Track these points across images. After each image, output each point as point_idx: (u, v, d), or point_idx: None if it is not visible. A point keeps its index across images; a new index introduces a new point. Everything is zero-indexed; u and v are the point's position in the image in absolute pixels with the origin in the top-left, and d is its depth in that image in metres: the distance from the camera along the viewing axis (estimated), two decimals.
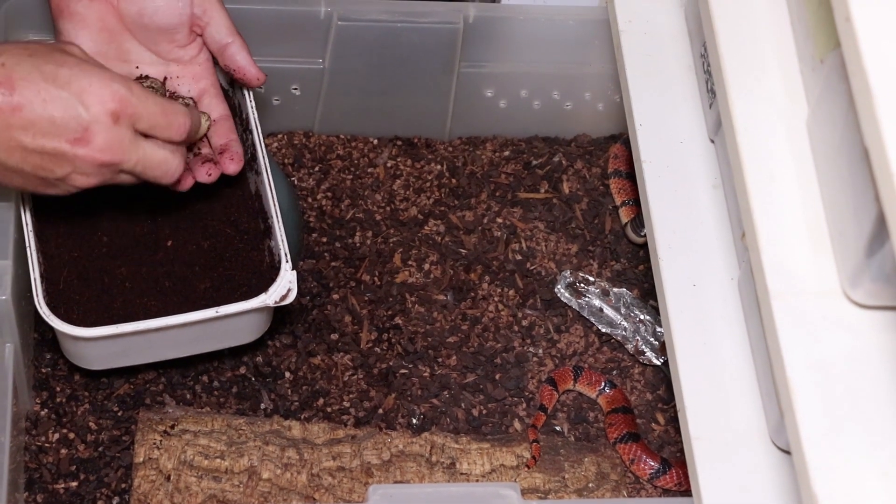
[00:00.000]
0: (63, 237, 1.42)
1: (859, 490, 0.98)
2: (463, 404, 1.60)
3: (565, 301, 1.67)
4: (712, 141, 1.47)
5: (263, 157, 1.42)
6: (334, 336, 1.63)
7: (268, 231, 1.42)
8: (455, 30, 1.69)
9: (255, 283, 1.41)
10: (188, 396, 1.57)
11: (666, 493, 1.56)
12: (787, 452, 1.26)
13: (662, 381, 1.63)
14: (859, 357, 1.04)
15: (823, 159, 1.10)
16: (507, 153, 1.80)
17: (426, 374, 1.61)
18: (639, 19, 1.56)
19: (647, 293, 1.69)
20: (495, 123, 1.80)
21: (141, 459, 1.48)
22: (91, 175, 1.21)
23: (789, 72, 1.18)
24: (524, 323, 1.66)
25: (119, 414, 1.55)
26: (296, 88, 1.73)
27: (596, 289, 1.67)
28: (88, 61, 1.22)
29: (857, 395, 1.02)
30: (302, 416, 1.57)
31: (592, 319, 1.66)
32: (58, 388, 1.56)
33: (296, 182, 1.74)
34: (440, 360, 1.62)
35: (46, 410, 1.55)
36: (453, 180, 1.76)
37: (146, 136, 1.23)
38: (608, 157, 1.78)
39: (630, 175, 1.68)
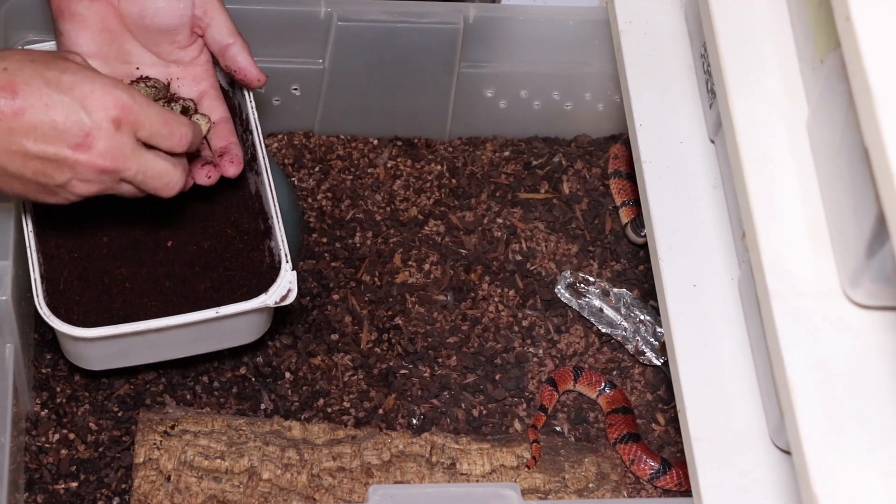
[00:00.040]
0: (63, 238, 1.42)
1: (859, 490, 0.98)
2: (463, 405, 1.60)
3: (565, 301, 1.67)
4: (712, 141, 1.47)
5: (263, 157, 1.42)
6: (334, 336, 1.63)
7: (268, 231, 1.42)
8: (455, 30, 1.69)
9: (255, 284, 1.41)
10: (188, 397, 1.57)
11: (666, 493, 1.56)
12: (788, 453, 1.26)
13: (662, 381, 1.63)
14: (859, 357, 1.04)
15: (823, 159, 1.10)
16: (507, 153, 1.80)
17: (426, 375, 1.61)
18: (639, 19, 1.56)
19: (647, 293, 1.69)
20: (495, 124, 1.80)
21: (141, 460, 1.48)
22: (91, 182, 1.21)
23: (789, 72, 1.18)
24: (524, 323, 1.66)
25: (119, 414, 1.55)
26: (296, 89, 1.73)
27: (596, 289, 1.67)
28: (90, 68, 1.22)
29: (858, 395, 1.02)
30: (302, 417, 1.57)
31: (592, 320, 1.66)
32: (58, 389, 1.56)
33: (296, 182, 1.74)
34: (440, 360, 1.62)
35: (47, 411, 1.55)
36: (453, 181, 1.76)
37: (148, 146, 1.22)
38: (608, 157, 1.78)
39: (630, 175, 1.68)
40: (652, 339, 1.64)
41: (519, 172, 1.78)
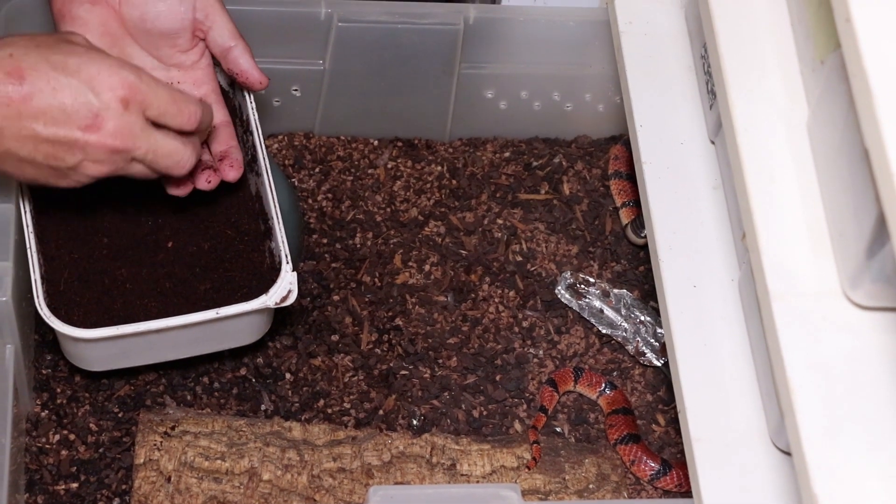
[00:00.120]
0: (63, 238, 1.42)
1: (859, 491, 0.98)
2: (463, 405, 1.60)
3: (566, 302, 1.67)
4: (712, 142, 1.47)
5: (264, 158, 1.42)
6: (335, 337, 1.63)
7: (268, 232, 1.42)
8: (455, 31, 1.69)
9: (255, 285, 1.41)
10: (189, 398, 1.57)
11: (666, 494, 1.56)
12: (788, 453, 1.26)
13: (663, 382, 1.63)
14: (859, 358, 1.04)
15: (824, 160, 1.10)
16: (507, 154, 1.80)
17: (426, 376, 1.61)
18: (639, 20, 1.56)
19: (647, 294, 1.69)
20: (496, 124, 1.80)
21: (141, 461, 1.48)
22: (102, 163, 1.21)
23: (790, 73, 1.18)
24: (525, 324, 1.66)
25: (119, 415, 1.55)
26: (296, 90, 1.73)
27: (596, 290, 1.67)
28: (95, 49, 1.22)
29: (858, 395, 1.02)
30: (302, 418, 1.57)
31: (593, 321, 1.66)
32: (58, 390, 1.56)
33: (296, 183, 1.74)
34: (440, 361, 1.62)
35: (47, 412, 1.55)
36: (454, 181, 1.76)
37: (158, 125, 1.23)
38: (608, 158, 1.78)
39: (630, 176, 1.68)
40: (652, 340, 1.64)
41: (519, 173, 1.78)
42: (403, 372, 1.61)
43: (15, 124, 1.16)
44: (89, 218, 1.44)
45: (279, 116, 1.76)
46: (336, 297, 1.66)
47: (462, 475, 1.51)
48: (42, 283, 1.36)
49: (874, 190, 0.90)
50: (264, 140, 1.44)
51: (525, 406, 1.60)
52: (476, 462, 1.52)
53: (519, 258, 1.71)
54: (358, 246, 1.70)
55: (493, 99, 1.77)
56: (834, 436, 1.00)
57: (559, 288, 1.67)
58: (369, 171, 1.76)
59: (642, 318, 1.65)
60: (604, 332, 1.66)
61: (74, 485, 1.51)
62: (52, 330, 1.37)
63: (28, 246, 1.38)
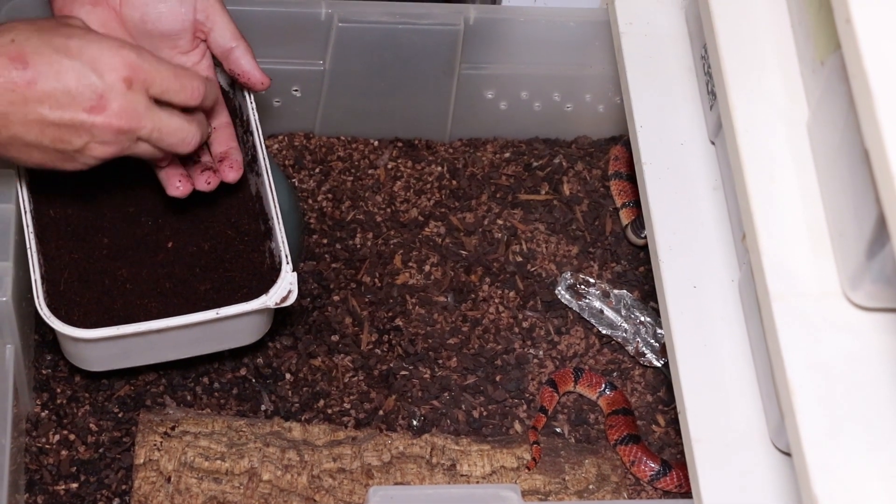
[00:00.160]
0: (64, 238, 1.42)
1: (860, 491, 0.98)
2: (463, 406, 1.60)
3: (566, 303, 1.67)
4: (713, 143, 1.47)
5: (264, 158, 1.42)
6: (335, 337, 1.63)
7: (268, 233, 1.42)
8: (455, 31, 1.69)
9: (255, 285, 1.41)
10: (189, 398, 1.57)
11: (666, 494, 1.56)
12: (788, 454, 1.26)
13: (663, 382, 1.63)
14: (860, 359, 1.04)
15: (824, 161, 1.10)
16: (507, 155, 1.80)
17: (427, 376, 1.61)
18: (639, 21, 1.56)
19: (647, 295, 1.69)
20: (496, 125, 1.80)
21: (141, 461, 1.48)
22: (108, 144, 1.22)
23: (790, 73, 1.18)
24: (525, 324, 1.66)
25: (119, 415, 1.55)
26: (296, 90, 1.73)
27: (596, 290, 1.67)
28: (95, 31, 1.23)
29: (858, 396, 1.02)
30: (302, 418, 1.57)
31: (593, 321, 1.66)
32: (58, 390, 1.56)
33: (296, 183, 1.74)
34: (441, 361, 1.62)
35: (47, 412, 1.55)
36: (454, 182, 1.76)
37: (161, 102, 1.23)
38: (609, 158, 1.78)
39: (630, 177, 1.68)
40: (652, 341, 1.64)
41: (519, 174, 1.78)
42: (403, 372, 1.61)
43: (21, 109, 1.17)
44: (89, 218, 1.44)
45: (279, 117, 1.76)
46: (336, 298, 1.66)
47: (462, 476, 1.51)
48: (42, 283, 1.36)
49: (874, 191, 0.90)
50: (264, 140, 1.44)
51: (525, 406, 1.60)
52: (476, 462, 1.52)
53: (519, 259, 1.71)
54: (358, 246, 1.70)
55: (493, 99, 1.77)
56: (834, 436, 1.00)
57: (559, 288, 1.67)
58: (369, 172, 1.76)
59: (642, 318, 1.65)
60: (604, 332, 1.66)
61: (74, 485, 1.51)
62: (52, 330, 1.37)
63: (28, 246, 1.38)
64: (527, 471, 1.52)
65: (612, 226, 1.74)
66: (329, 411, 1.58)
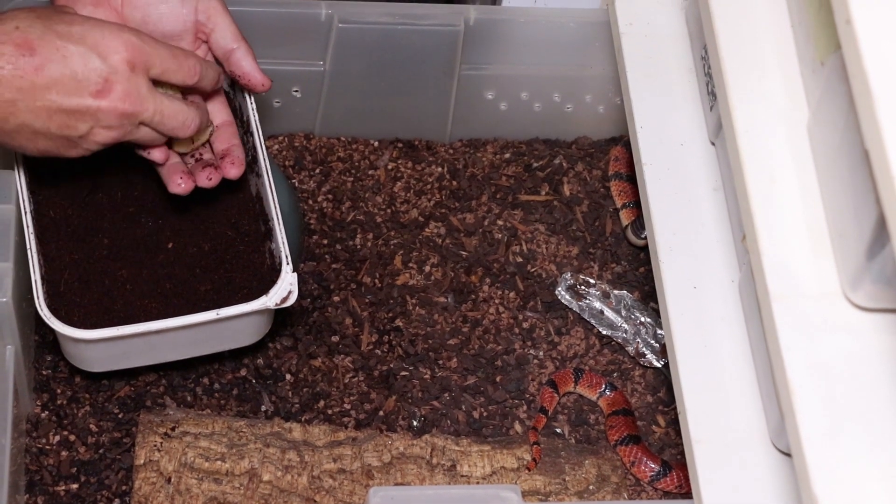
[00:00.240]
0: (64, 239, 1.42)
1: (860, 492, 0.98)
2: (463, 406, 1.60)
3: (566, 303, 1.67)
4: (713, 143, 1.47)
5: (264, 159, 1.42)
6: (335, 338, 1.63)
7: (268, 233, 1.42)
8: (455, 32, 1.69)
9: (255, 286, 1.41)
10: (189, 398, 1.57)
11: (666, 495, 1.56)
12: (788, 455, 1.26)
13: (663, 383, 1.63)
14: (860, 359, 1.04)
15: (824, 162, 1.10)
16: (507, 155, 1.80)
17: (427, 377, 1.61)
18: (639, 21, 1.56)
19: (647, 295, 1.69)
20: (496, 126, 1.80)
21: (142, 461, 1.48)
22: (112, 128, 1.22)
23: (790, 74, 1.18)
24: (525, 325, 1.66)
25: (120, 416, 1.55)
26: (296, 90, 1.73)
27: (597, 291, 1.67)
28: (92, 17, 1.24)
29: (858, 396, 1.02)
30: (302, 419, 1.57)
31: (593, 322, 1.66)
32: (58, 391, 1.56)
33: (296, 184, 1.74)
34: (441, 362, 1.62)
35: (47, 412, 1.55)
36: (454, 182, 1.76)
37: (160, 84, 1.25)
38: (609, 159, 1.78)
39: (631, 177, 1.68)
40: (652, 341, 1.64)
41: (519, 174, 1.78)
42: (404, 373, 1.61)
43: (29, 96, 1.18)
44: (90, 218, 1.44)
45: (279, 117, 1.76)
46: (336, 298, 1.66)
47: (462, 476, 1.51)
48: (42, 284, 1.36)
49: (874, 191, 0.90)
50: (265, 141, 1.44)
51: (525, 407, 1.60)
52: (476, 463, 1.52)
53: (519, 259, 1.71)
54: (358, 247, 1.70)
55: (493, 100, 1.77)
56: (834, 437, 1.00)
57: (559, 289, 1.67)
58: (370, 172, 1.76)
59: (642, 319, 1.65)
60: (604, 333, 1.66)
61: (74, 486, 1.51)
62: (52, 331, 1.37)
63: (28, 246, 1.38)
64: (527, 471, 1.52)
65: (612, 226, 1.74)
66: (329, 412, 1.58)
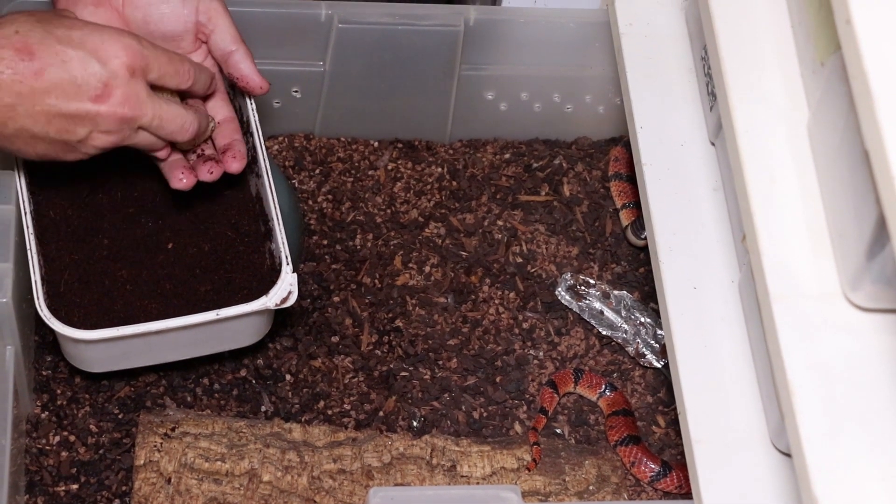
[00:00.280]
0: (64, 240, 1.42)
1: (860, 492, 0.98)
2: (463, 407, 1.60)
3: (566, 304, 1.67)
4: (713, 144, 1.47)
5: (264, 159, 1.42)
6: (335, 338, 1.63)
7: (268, 234, 1.42)
8: (455, 32, 1.69)
9: (255, 286, 1.41)
10: (189, 399, 1.57)
11: (667, 495, 1.56)
12: (788, 455, 1.26)
13: (663, 383, 1.63)
14: (860, 359, 1.04)
15: (824, 162, 1.10)
16: (507, 156, 1.80)
17: (427, 377, 1.61)
18: (639, 22, 1.56)
19: (647, 296, 1.69)
20: (496, 126, 1.80)
21: (142, 462, 1.48)
22: (111, 133, 1.23)
23: (790, 74, 1.18)
24: (525, 325, 1.66)
25: (120, 416, 1.55)
26: (296, 91, 1.73)
27: (596, 291, 1.67)
28: (91, 22, 1.24)
29: (858, 397, 1.02)
30: (302, 419, 1.57)
31: (593, 322, 1.66)
32: (58, 391, 1.56)
33: (296, 185, 1.74)
34: (441, 362, 1.62)
35: (47, 413, 1.55)
36: (454, 183, 1.76)
37: (157, 88, 1.25)
38: (609, 159, 1.78)
39: (631, 178, 1.68)
40: (652, 342, 1.64)
41: (519, 175, 1.78)
42: (403, 373, 1.61)
43: (28, 101, 1.18)
44: (89, 219, 1.44)
45: (279, 118, 1.76)
46: (336, 299, 1.66)
47: (462, 476, 1.51)
48: (42, 285, 1.36)
49: (874, 191, 0.90)
50: (264, 141, 1.44)
51: (525, 407, 1.60)
52: (476, 463, 1.52)
53: (519, 260, 1.71)
54: (358, 247, 1.70)
55: (493, 100, 1.77)
56: (834, 437, 1.00)
57: (559, 289, 1.67)
58: (369, 173, 1.76)
59: (642, 319, 1.65)
60: (604, 333, 1.66)
61: (74, 486, 1.51)
62: (52, 331, 1.37)
63: (28, 247, 1.38)
64: (527, 472, 1.52)
65: (612, 227, 1.74)
66: (329, 412, 1.58)
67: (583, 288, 1.67)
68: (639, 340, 1.64)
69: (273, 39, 1.66)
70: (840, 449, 1.00)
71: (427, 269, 1.69)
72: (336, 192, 1.74)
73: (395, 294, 1.66)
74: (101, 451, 1.53)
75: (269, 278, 1.39)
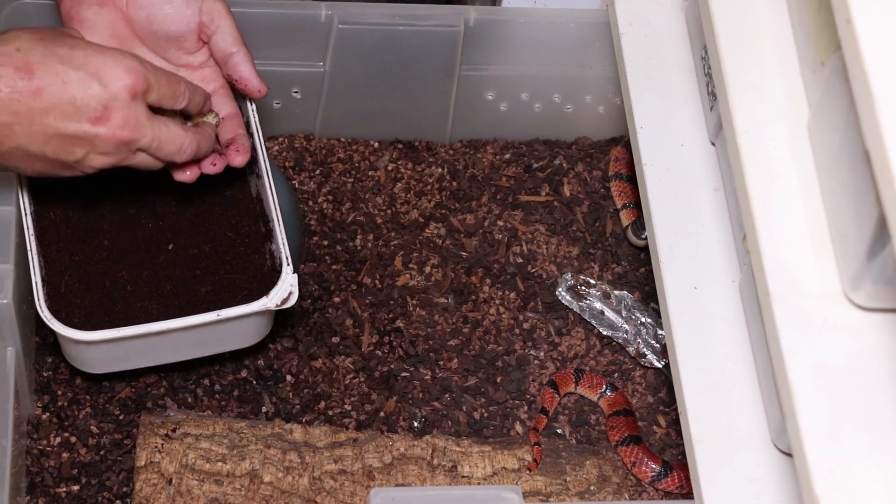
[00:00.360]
0: (64, 241, 1.42)
1: (861, 492, 0.98)
2: (464, 407, 1.60)
3: (566, 304, 1.67)
4: (713, 143, 1.47)
5: (264, 160, 1.42)
6: (335, 339, 1.63)
7: (269, 234, 1.42)
8: (455, 33, 1.69)
9: (256, 287, 1.41)
10: (190, 400, 1.57)
11: (667, 495, 1.55)
12: (789, 455, 1.26)
13: (664, 383, 1.63)
14: (860, 359, 1.04)
15: (824, 162, 1.10)
16: (507, 156, 1.80)
17: (427, 377, 1.61)
18: (639, 22, 1.56)
19: (648, 296, 1.69)
20: (496, 126, 1.80)
21: (142, 463, 1.48)
22: (109, 154, 1.22)
23: (790, 74, 1.18)
24: (525, 326, 1.66)
25: (120, 417, 1.55)
26: (296, 92, 1.73)
27: (597, 291, 1.67)
28: (94, 43, 1.24)
29: (859, 397, 1.02)
30: (303, 420, 1.57)
31: (594, 322, 1.66)
32: (59, 392, 1.56)
33: (297, 185, 1.74)
34: (441, 362, 1.62)
35: (48, 414, 1.55)
36: (454, 183, 1.76)
37: (155, 110, 1.24)
38: (609, 159, 1.78)
39: (631, 178, 1.68)
40: (653, 342, 1.64)
41: (520, 175, 1.78)
42: (404, 374, 1.61)
43: (26, 120, 1.17)
44: (90, 220, 1.44)
45: (279, 118, 1.76)
46: (337, 299, 1.66)
47: (463, 477, 1.51)
48: (43, 286, 1.36)
49: (875, 191, 0.90)
50: (265, 142, 1.44)
51: (526, 408, 1.60)
52: (477, 464, 1.52)
53: (519, 260, 1.71)
54: (358, 248, 1.70)
55: (493, 100, 1.77)
56: (835, 437, 1.00)
57: (560, 290, 1.67)
58: (370, 173, 1.76)
59: (643, 319, 1.65)
60: (604, 333, 1.66)
61: (75, 487, 1.51)
62: (52, 332, 1.37)
63: (29, 248, 1.38)
64: (528, 472, 1.52)
65: (612, 227, 1.74)
66: (330, 413, 1.58)
67: (583, 288, 1.67)
68: (639, 340, 1.64)
69: (273, 40, 1.66)
70: (841, 449, 1.00)
71: (427, 269, 1.69)
72: (336, 192, 1.74)
73: (396, 294, 1.66)
74: (101, 452, 1.53)
75: (269, 279, 1.40)
